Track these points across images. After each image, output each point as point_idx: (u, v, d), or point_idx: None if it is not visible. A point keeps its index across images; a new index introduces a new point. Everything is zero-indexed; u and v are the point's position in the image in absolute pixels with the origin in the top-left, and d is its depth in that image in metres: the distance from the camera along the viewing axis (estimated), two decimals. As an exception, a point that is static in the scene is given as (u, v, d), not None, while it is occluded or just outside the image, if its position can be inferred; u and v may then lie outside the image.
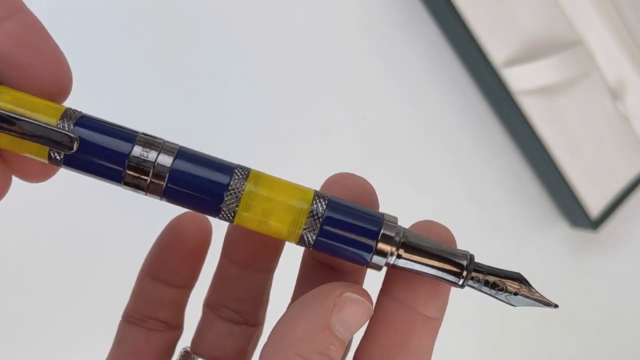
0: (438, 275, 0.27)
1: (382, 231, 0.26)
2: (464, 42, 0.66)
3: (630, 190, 0.68)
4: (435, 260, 0.27)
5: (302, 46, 0.65)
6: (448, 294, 0.28)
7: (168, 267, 0.33)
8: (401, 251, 0.27)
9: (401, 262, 0.27)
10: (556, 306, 0.27)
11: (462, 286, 0.27)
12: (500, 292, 0.27)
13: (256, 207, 0.26)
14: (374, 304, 0.27)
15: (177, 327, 0.34)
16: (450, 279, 0.27)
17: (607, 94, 0.69)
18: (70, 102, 0.26)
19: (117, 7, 0.61)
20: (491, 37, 0.65)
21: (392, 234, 0.26)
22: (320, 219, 0.26)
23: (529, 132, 0.66)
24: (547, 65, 0.66)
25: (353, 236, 0.26)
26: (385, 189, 0.61)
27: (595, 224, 0.68)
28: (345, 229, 0.26)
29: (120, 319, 0.34)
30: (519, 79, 0.66)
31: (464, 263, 0.27)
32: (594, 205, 0.68)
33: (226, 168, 0.26)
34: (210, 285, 0.34)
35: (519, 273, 0.27)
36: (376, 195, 0.29)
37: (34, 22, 0.25)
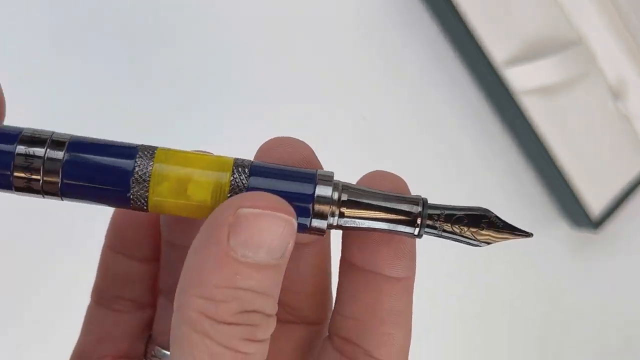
0: (390, 228, 0.25)
1: (317, 191, 0.25)
2: (465, 42, 0.66)
3: (632, 190, 0.68)
4: (383, 212, 0.25)
5: (300, 45, 0.65)
6: (414, 249, 0.26)
7: (129, 238, 0.31)
8: (343, 209, 0.25)
9: (346, 222, 0.25)
10: (531, 235, 0.25)
11: (419, 235, 0.25)
12: (464, 230, 0.25)
13: (169, 187, 0.24)
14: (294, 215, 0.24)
15: (148, 306, 0.32)
16: (404, 231, 0.25)
17: (608, 94, 0.69)
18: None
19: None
20: (492, 37, 0.65)
21: (329, 193, 0.25)
22: (245, 188, 0.24)
23: (529, 132, 0.66)
24: (548, 64, 0.66)
25: None
26: None
27: (596, 224, 0.68)
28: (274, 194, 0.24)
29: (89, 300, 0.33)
30: (520, 79, 0.66)
31: (417, 210, 0.25)
32: (595, 205, 0.68)
33: (127, 151, 0.24)
34: (160, 271, 0.32)
35: (481, 207, 0.26)
36: (317, 161, 0.26)
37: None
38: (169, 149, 0.25)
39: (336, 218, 0.25)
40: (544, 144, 0.66)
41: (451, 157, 0.68)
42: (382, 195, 0.25)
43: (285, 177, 0.25)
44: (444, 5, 0.65)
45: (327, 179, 0.25)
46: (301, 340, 0.30)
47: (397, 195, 0.26)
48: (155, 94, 0.61)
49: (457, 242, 0.26)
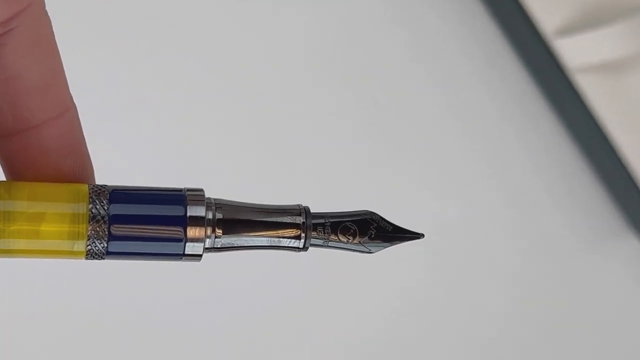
0: (273, 244, 0.27)
1: (188, 212, 0.26)
2: (507, 7, 0.64)
3: None
4: (263, 228, 0.27)
5: (300, 14, 0.65)
6: None
7: None
8: (218, 232, 0.26)
9: (224, 242, 0.27)
10: (422, 235, 0.27)
11: (304, 248, 0.27)
12: (352, 240, 0.27)
13: (17, 227, 0.25)
14: None
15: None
16: (288, 245, 0.27)
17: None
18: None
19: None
20: (540, 0, 0.63)
21: (202, 212, 0.26)
22: (107, 219, 0.26)
23: (586, 119, 0.64)
24: (610, 35, 0.63)
25: (154, 230, 0.26)
26: (399, 191, 0.65)
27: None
28: (140, 222, 0.26)
29: None
30: (575, 53, 0.63)
31: (299, 220, 0.27)
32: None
33: None
34: None
35: (367, 210, 0.28)
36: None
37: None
38: (12, 182, 0.26)
39: (213, 239, 0.26)
40: (604, 134, 0.64)
41: (486, 151, 0.66)
42: (260, 208, 0.27)
43: (150, 200, 0.26)
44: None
45: (198, 198, 0.27)
46: None
47: (277, 207, 0.27)
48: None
49: (346, 251, 0.28)
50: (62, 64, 0.28)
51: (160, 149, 0.63)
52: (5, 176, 0.28)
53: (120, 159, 0.61)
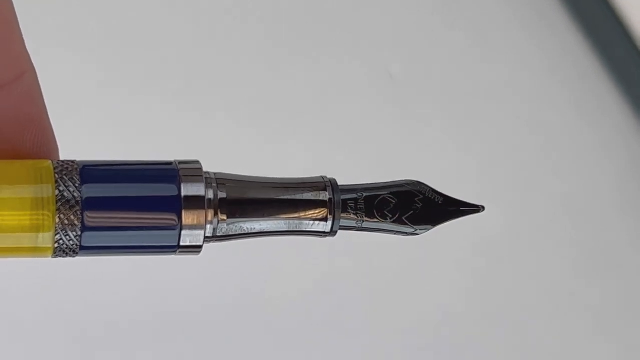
0: (291, 229, 0.24)
1: (183, 191, 0.23)
2: None
3: None
4: (279, 208, 0.24)
5: None
6: None
7: None
8: (222, 216, 0.23)
9: (229, 229, 0.24)
10: (483, 208, 0.25)
11: (332, 233, 0.25)
12: (393, 217, 0.24)
13: None
14: None
15: None
16: (311, 230, 0.24)
17: None
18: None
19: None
20: None
21: (201, 191, 0.23)
22: (79, 205, 0.23)
23: None
24: None
25: (139, 216, 0.23)
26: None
27: None
28: (122, 207, 0.23)
29: None
30: None
31: (325, 197, 0.24)
32: None
33: None
34: None
35: (410, 180, 0.25)
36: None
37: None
38: None
39: (215, 225, 0.24)
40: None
41: (538, 142, 0.65)
42: (274, 183, 0.25)
43: (133, 177, 0.23)
44: None
45: (195, 172, 0.24)
46: None
47: (295, 181, 0.25)
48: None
49: (385, 234, 0.25)
50: (15, 15, 0.26)
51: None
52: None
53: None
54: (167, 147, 0.59)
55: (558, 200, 0.64)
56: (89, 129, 0.61)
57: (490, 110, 0.64)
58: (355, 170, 0.60)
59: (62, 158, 0.24)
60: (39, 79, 0.26)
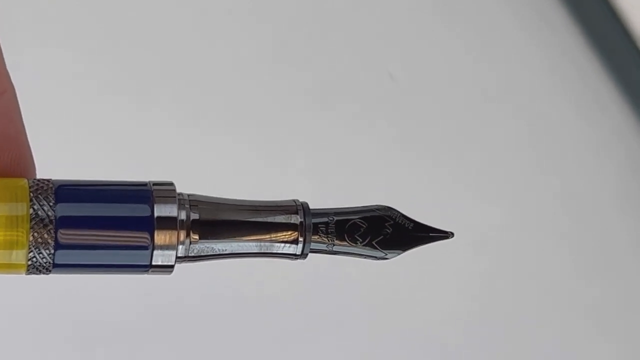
0: (262, 251, 0.24)
1: (156, 212, 0.23)
2: None
3: None
4: (250, 230, 0.24)
5: None
6: None
7: None
8: (194, 236, 0.24)
9: (201, 249, 0.24)
10: (452, 235, 0.25)
11: (302, 255, 0.25)
12: (362, 242, 0.25)
13: None
14: None
15: None
16: (282, 252, 0.25)
17: None
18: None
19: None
20: None
21: (173, 212, 0.24)
22: (54, 221, 0.23)
23: None
24: None
25: (112, 236, 0.23)
26: (426, 191, 0.61)
27: None
28: (95, 226, 0.23)
29: None
30: None
31: (296, 220, 0.25)
32: None
33: None
34: None
35: (380, 205, 0.25)
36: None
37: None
38: None
39: (187, 246, 0.24)
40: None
41: (539, 142, 0.64)
42: (246, 206, 0.25)
43: (107, 197, 0.24)
44: None
45: (168, 194, 0.24)
46: None
47: (268, 204, 0.25)
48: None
49: (356, 258, 0.25)
50: None
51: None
52: None
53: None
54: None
55: (558, 200, 0.64)
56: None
57: (490, 110, 0.64)
58: (355, 170, 0.60)
59: (38, 174, 0.25)
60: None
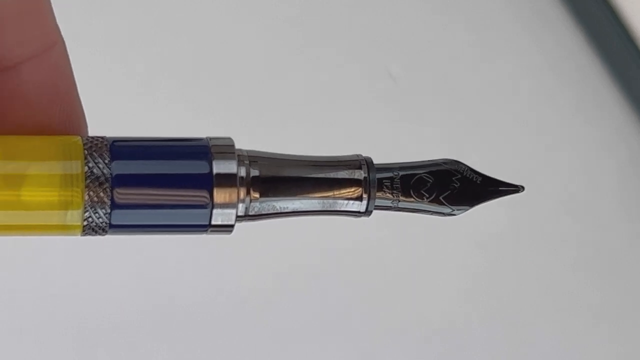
0: (325, 208, 0.24)
1: (214, 169, 0.23)
2: None
3: None
4: (313, 186, 0.23)
5: None
6: None
7: None
8: (254, 194, 0.23)
9: (262, 208, 0.23)
10: (522, 189, 0.24)
11: (367, 212, 0.24)
12: (429, 197, 0.24)
13: None
14: None
15: None
16: (345, 209, 0.24)
17: None
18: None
19: None
20: None
21: (232, 169, 0.23)
22: (108, 182, 0.22)
23: None
24: None
25: (170, 194, 0.22)
26: None
27: None
28: (152, 184, 0.22)
29: None
30: None
31: (360, 176, 0.23)
32: None
33: None
34: None
35: (447, 158, 0.24)
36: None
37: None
38: None
39: (247, 204, 0.23)
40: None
41: (542, 143, 0.65)
42: (308, 161, 0.24)
43: (163, 154, 0.23)
44: None
45: (227, 150, 0.23)
46: None
47: (330, 159, 0.24)
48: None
49: (420, 214, 0.25)
50: None
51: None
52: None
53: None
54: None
55: (558, 200, 0.64)
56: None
57: (491, 110, 0.64)
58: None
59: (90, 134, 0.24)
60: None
